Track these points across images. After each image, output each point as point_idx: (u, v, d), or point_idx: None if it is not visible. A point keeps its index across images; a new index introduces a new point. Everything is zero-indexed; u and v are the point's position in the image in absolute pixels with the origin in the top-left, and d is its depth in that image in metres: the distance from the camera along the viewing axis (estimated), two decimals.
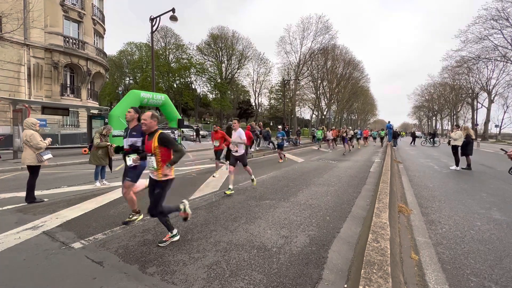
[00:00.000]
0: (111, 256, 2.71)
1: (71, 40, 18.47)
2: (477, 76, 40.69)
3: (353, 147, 17.83)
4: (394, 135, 20.37)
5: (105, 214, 4.04)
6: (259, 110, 56.18)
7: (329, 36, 41.03)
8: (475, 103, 42.71)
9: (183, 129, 15.28)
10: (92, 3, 20.30)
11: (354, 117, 79.22)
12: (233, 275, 2.37)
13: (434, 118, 70.60)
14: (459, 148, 9.04)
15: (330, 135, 16.63)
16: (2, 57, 15.25)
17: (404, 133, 58.92)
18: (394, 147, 19.02)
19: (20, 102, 11.54)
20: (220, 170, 7.69)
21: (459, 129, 9.44)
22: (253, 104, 54.76)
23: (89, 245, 2.96)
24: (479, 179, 7.36)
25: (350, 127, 20.42)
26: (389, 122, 21.65)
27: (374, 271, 1.84)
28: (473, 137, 9.13)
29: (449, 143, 9.64)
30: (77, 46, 18.86)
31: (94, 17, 20.40)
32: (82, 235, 3.23)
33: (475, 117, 42.68)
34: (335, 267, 2.55)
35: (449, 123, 59.26)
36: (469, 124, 42.00)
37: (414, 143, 25.10)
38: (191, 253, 2.77)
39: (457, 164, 9.01)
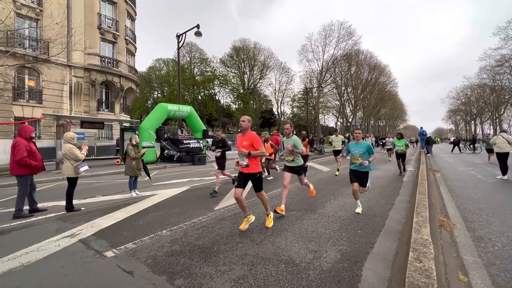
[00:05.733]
0: (140, 266, 2.75)
1: (106, 60, 20.07)
2: None
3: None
4: (428, 142, 19.02)
5: (135, 224, 4.17)
6: (282, 118, 56.04)
7: (352, 42, 40.31)
8: None
9: (207, 139, 15.67)
10: (125, 25, 21.99)
11: (382, 124, 75.81)
12: None
13: (472, 122, 65.21)
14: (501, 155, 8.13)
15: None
16: (48, 77, 16.97)
17: (439, 139, 55.01)
18: (428, 155, 17.74)
19: (62, 118, 12.65)
20: None
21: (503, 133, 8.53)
22: (276, 113, 54.83)
23: (121, 254, 3.05)
24: None
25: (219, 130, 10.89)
26: (421, 128, 20.26)
27: None
28: None
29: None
30: (112, 65, 20.43)
31: (126, 37, 22.05)
32: (114, 244, 3.35)
33: None
34: (370, 287, 2.34)
35: (491, 127, 54.26)
36: None
37: (459, 150, 22.63)
38: (218, 266, 2.73)
39: (504, 173, 8.11)
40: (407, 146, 9.57)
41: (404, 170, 9.79)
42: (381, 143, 22.60)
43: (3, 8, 12.29)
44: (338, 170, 9.47)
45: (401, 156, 9.61)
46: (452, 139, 46.67)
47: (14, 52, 13.75)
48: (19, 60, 14.37)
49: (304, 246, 3.20)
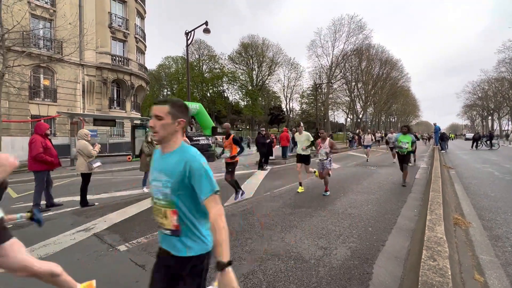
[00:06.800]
0: (152, 260, 2.79)
1: (117, 58, 20.41)
2: None
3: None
4: (442, 138, 18.47)
5: (146, 219, 4.26)
6: (291, 115, 55.67)
7: (363, 36, 39.35)
8: None
9: (216, 136, 15.76)
10: (135, 23, 22.26)
11: (393, 120, 74.16)
12: (270, 286, 2.29)
13: (490, 117, 62.85)
14: None
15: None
16: (62, 76, 17.44)
17: (453, 135, 53.38)
18: (442, 151, 17.24)
19: (76, 116, 13.01)
20: (255, 176, 7.68)
21: None
22: (285, 109, 54.50)
23: (133, 248, 3.12)
24: None
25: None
26: (435, 124, 19.73)
27: None
28: None
29: None
30: (122, 63, 20.77)
31: (136, 35, 22.33)
32: (126, 238, 3.43)
33: None
34: (382, 285, 2.31)
35: (509, 122, 52.17)
36: None
37: (476, 147, 21.59)
38: None
39: None
40: (413, 143, 6.81)
41: (404, 180, 6.83)
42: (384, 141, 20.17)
43: (19, 9, 12.69)
44: (301, 184, 6.22)
45: (404, 158, 6.82)
46: (467, 135, 45.05)
47: (30, 52, 14.17)
48: (34, 60, 14.82)
49: (314, 243, 3.19)
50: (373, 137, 13.47)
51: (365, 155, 13.10)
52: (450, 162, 11.96)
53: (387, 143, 14.45)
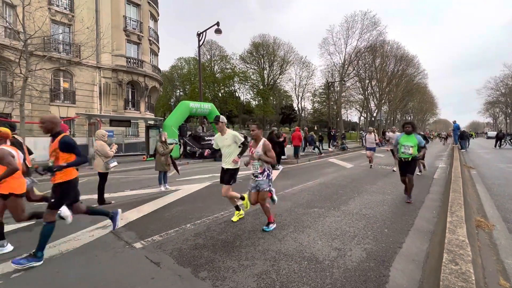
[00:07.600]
0: (167, 258, 2.86)
1: (132, 60, 20.96)
2: None
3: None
4: (462, 137, 17.70)
5: (161, 217, 4.34)
6: (303, 114, 55.15)
7: (377, 33, 38.25)
8: None
9: None
10: (149, 26, 22.76)
11: (409, 118, 71.90)
12: (283, 287, 2.27)
13: None
14: None
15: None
16: (80, 79, 18.12)
17: (474, 133, 51.11)
18: (462, 150, 16.52)
19: (93, 117, 13.47)
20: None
21: None
22: (296, 108, 54.06)
23: (148, 246, 3.19)
24: None
25: None
26: (454, 122, 18.95)
27: None
28: None
29: None
30: (137, 65, 21.30)
31: (150, 38, 22.83)
32: (142, 236, 3.51)
33: None
34: None
35: None
36: None
37: (499, 146, 20.55)
38: (240, 260, 2.76)
39: None
40: (421, 147, 5.11)
41: (408, 195, 5.07)
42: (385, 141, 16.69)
43: (40, 15, 13.28)
44: (237, 208, 4.23)
45: (407, 165, 5.07)
46: (489, 133, 42.94)
47: (50, 56, 14.80)
48: (55, 64, 15.49)
49: (328, 244, 3.13)
50: (376, 137, 10.35)
51: (380, 154, 11.94)
52: (471, 162, 11.45)
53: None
